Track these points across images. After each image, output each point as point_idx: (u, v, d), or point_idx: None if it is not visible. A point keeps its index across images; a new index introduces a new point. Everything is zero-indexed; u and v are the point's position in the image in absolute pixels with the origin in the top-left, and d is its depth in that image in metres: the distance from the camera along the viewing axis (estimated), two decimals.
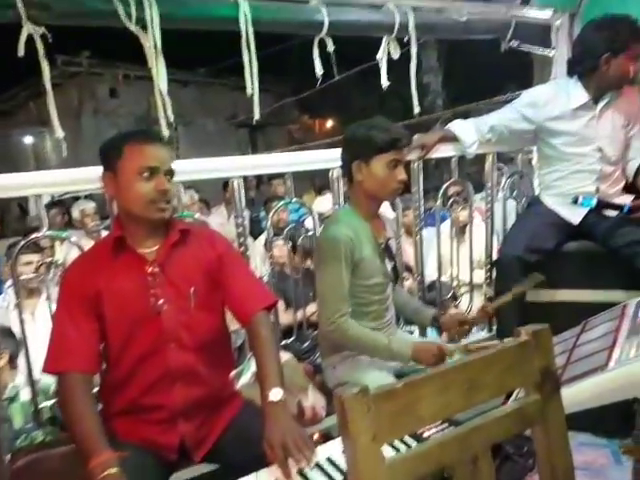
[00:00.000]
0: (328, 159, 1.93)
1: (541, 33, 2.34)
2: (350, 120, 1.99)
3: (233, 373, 1.62)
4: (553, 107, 2.10)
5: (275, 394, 1.23)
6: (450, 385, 0.78)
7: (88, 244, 1.78)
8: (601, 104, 2.06)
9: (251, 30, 1.69)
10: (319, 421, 1.66)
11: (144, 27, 1.57)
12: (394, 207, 2.34)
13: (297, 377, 1.70)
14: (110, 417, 1.34)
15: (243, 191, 1.81)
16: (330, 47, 1.97)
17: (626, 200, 2.06)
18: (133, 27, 1.55)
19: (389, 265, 1.72)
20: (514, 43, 2.38)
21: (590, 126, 2.07)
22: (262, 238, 3.51)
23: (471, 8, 2.22)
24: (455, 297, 2.66)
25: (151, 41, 1.56)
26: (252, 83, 1.75)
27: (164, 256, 1.32)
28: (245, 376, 1.72)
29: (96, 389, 1.46)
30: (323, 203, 3.73)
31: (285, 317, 2.56)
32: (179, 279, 1.32)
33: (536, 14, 2.42)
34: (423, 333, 2.26)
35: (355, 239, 1.57)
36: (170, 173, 1.31)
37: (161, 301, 1.29)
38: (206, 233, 1.47)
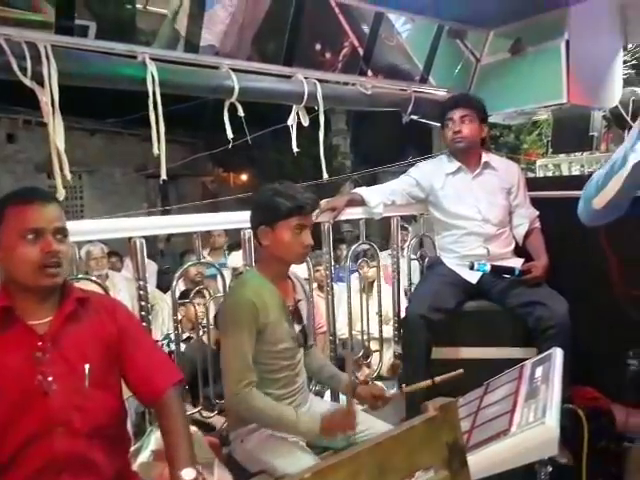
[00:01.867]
0: (238, 220, 1.91)
1: (439, 108, 2.54)
2: (265, 175, 2.01)
3: (130, 450, 1.48)
4: (436, 176, 2.35)
5: (187, 474, 1.14)
6: (360, 470, 0.75)
7: None
8: (476, 171, 2.30)
9: (158, 92, 1.67)
10: None
11: (41, 82, 1.49)
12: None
13: (201, 451, 1.59)
14: None
15: (145, 252, 1.72)
16: (240, 112, 1.99)
17: (517, 263, 2.25)
18: (28, 82, 1.47)
19: (298, 328, 1.70)
20: (414, 116, 2.58)
21: (468, 191, 2.29)
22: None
23: (376, 83, 2.38)
24: (367, 355, 2.68)
25: (48, 97, 1.48)
26: (159, 144, 1.71)
27: (57, 329, 1.19)
28: (143, 454, 1.58)
29: None
30: (238, 258, 3.69)
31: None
32: (73, 355, 1.20)
33: (433, 92, 2.66)
34: (336, 398, 2.23)
35: (260, 303, 1.54)
36: (60, 232, 1.20)
37: (50, 379, 1.16)
38: (107, 303, 1.36)
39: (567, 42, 2.38)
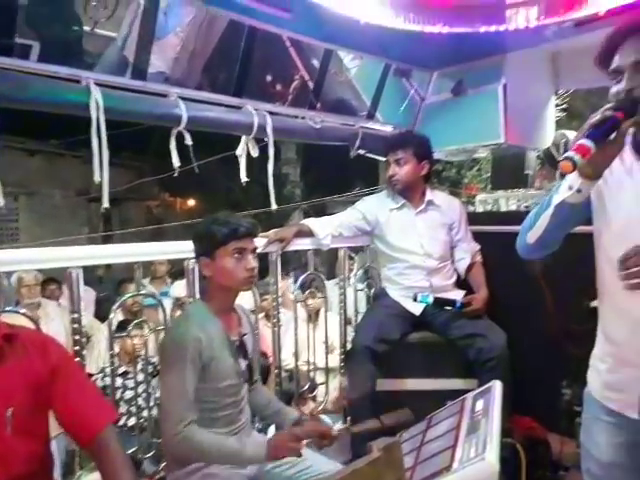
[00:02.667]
0: (180, 250, 1.86)
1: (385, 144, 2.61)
2: (214, 201, 1.98)
3: None
4: (381, 210, 2.42)
5: None
6: None
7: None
8: (420, 207, 2.38)
9: (102, 118, 1.62)
10: None
11: None
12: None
13: None
14: None
15: (82, 283, 1.63)
16: (188, 141, 1.96)
17: (458, 296, 2.32)
18: None
19: (243, 364, 1.66)
20: (361, 150, 2.64)
21: (411, 226, 2.37)
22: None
23: (324, 117, 2.42)
24: (312, 389, 2.65)
25: None
26: (101, 171, 1.65)
27: None
28: None
29: None
30: (182, 287, 3.58)
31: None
32: None
33: (380, 128, 2.74)
34: None
35: (205, 338, 1.50)
36: None
37: None
38: (37, 340, 1.25)
39: (504, 86, 2.53)
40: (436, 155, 2.80)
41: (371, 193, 2.96)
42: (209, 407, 1.54)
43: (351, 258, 4.59)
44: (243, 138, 2.14)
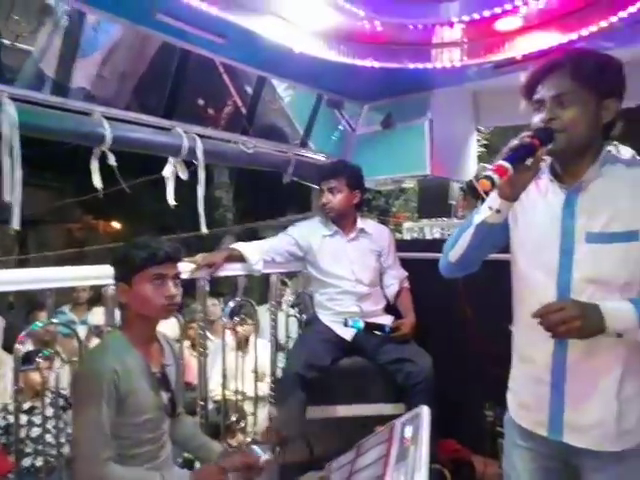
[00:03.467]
0: (97, 275, 1.75)
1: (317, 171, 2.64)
2: (142, 224, 1.89)
3: None
4: (314, 237, 2.43)
5: None
6: None
7: None
8: (351, 235, 2.44)
9: (17, 136, 1.51)
10: None
11: None
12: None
13: None
14: None
15: None
16: (112, 161, 1.88)
17: (387, 321, 2.36)
18: None
19: (165, 396, 1.57)
20: (294, 177, 2.66)
21: (343, 253, 2.41)
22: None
23: (257, 142, 2.42)
24: (241, 419, 2.56)
25: None
26: (12, 192, 1.52)
27: None
28: None
29: None
30: (100, 315, 3.37)
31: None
32: None
33: (312, 156, 2.78)
34: None
35: (122, 371, 1.40)
36: None
37: None
38: None
39: (430, 121, 2.65)
40: (366, 184, 2.87)
41: (303, 219, 2.97)
42: (127, 443, 1.44)
43: (284, 283, 4.56)
44: (171, 160, 2.08)
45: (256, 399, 2.54)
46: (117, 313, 1.82)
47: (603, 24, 1.83)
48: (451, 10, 1.96)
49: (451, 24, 2.02)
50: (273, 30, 1.80)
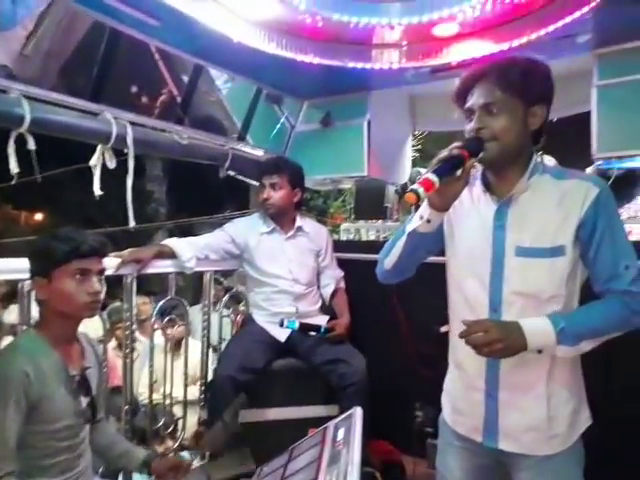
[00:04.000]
0: (13, 269, 1.61)
1: (256, 166, 2.57)
2: (65, 216, 1.75)
3: None
4: (251, 234, 2.38)
5: None
6: None
7: None
8: (290, 233, 2.40)
9: None
10: None
11: None
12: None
13: None
14: None
15: None
16: (31, 145, 1.73)
17: (323, 321, 2.35)
18: None
19: (84, 401, 1.46)
20: (231, 172, 2.58)
21: (281, 251, 2.37)
22: None
23: (192, 133, 2.32)
24: (170, 424, 2.45)
25: None
26: None
27: None
28: None
29: None
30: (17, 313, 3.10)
31: None
32: None
33: (251, 151, 2.71)
34: (129, 478, 1.96)
35: (35, 373, 1.29)
36: None
37: None
38: None
39: (368, 122, 2.67)
40: (305, 183, 2.85)
41: (242, 216, 2.89)
42: (39, 453, 1.32)
43: (219, 282, 4.44)
44: (99, 147, 1.95)
45: (185, 403, 2.44)
46: (35, 310, 1.68)
47: (532, 36, 1.91)
48: (392, 11, 1.97)
49: (391, 26, 2.04)
50: (211, 17, 1.73)
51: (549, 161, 3.11)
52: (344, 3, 1.86)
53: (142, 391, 2.64)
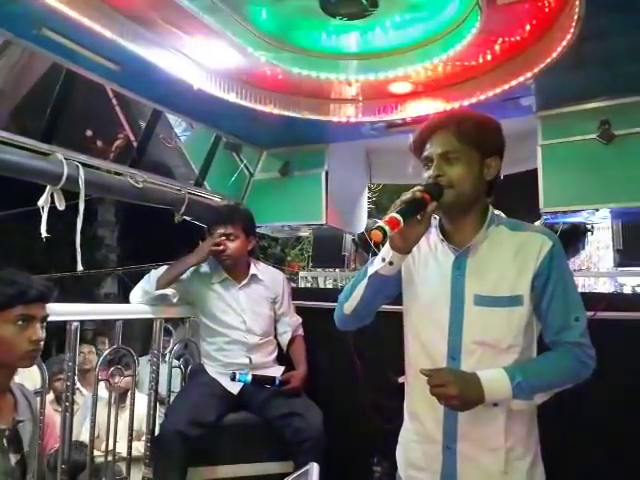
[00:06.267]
0: None
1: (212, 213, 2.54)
2: (8, 262, 1.65)
3: None
4: (204, 283, 2.34)
5: None
6: None
7: None
8: (243, 282, 2.35)
9: None
10: None
11: None
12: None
13: None
14: None
15: None
16: None
17: (278, 372, 2.27)
18: None
19: (14, 459, 1.33)
20: (187, 217, 2.54)
21: (234, 301, 2.32)
22: None
23: (149, 177, 2.28)
24: None
25: None
26: None
27: None
28: None
29: None
30: None
31: None
32: None
33: (208, 196, 2.69)
34: None
35: None
36: None
37: None
38: None
39: (327, 172, 2.72)
40: (262, 230, 2.83)
41: None
42: None
43: (168, 332, 4.26)
44: (48, 188, 1.88)
45: (129, 461, 2.27)
46: None
47: (481, 97, 2.04)
48: (349, 68, 2.05)
49: (349, 82, 2.12)
50: (172, 63, 1.74)
51: (499, 214, 3.25)
52: (303, 58, 1.93)
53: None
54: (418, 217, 1.15)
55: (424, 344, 1.26)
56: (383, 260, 1.22)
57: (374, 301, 1.32)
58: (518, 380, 1.12)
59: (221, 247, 2.27)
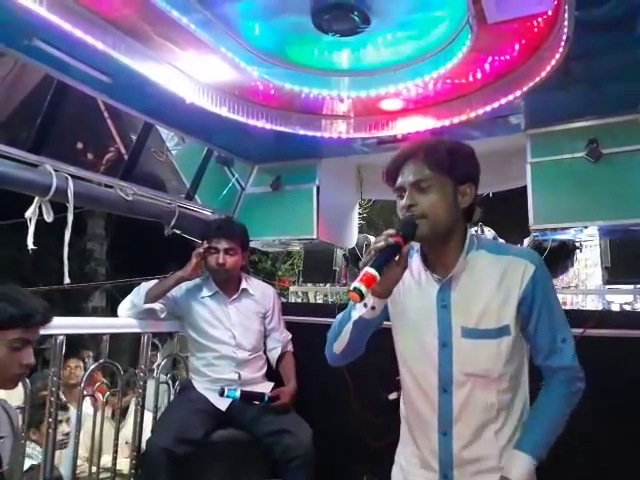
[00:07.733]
0: None
1: (204, 227, 2.52)
2: None
3: None
4: (194, 297, 2.32)
5: None
6: None
7: None
8: (234, 296, 2.33)
9: None
10: None
11: None
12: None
13: None
14: None
15: None
16: None
17: (267, 388, 2.24)
18: None
19: None
20: (177, 230, 2.52)
21: (223, 315, 2.29)
22: None
23: (138, 189, 2.26)
24: None
25: None
26: None
27: None
28: None
29: None
30: None
31: None
32: None
33: (199, 210, 2.68)
34: None
35: None
36: None
37: None
38: None
39: (318, 187, 2.72)
40: (253, 244, 2.82)
41: None
42: None
43: (155, 347, 4.21)
44: (36, 199, 1.86)
45: (114, 478, 2.22)
46: None
47: (471, 115, 2.06)
48: (341, 85, 2.07)
49: (341, 99, 2.14)
50: (164, 76, 1.74)
51: (489, 231, 3.27)
52: (296, 73, 1.95)
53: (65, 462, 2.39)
54: (394, 260, 1.12)
55: (415, 376, 1.26)
56: (365, 306, 1.19)
57: (362, 340, 1.31)
58: (539, 454, 1.16)
59: (220, 261, 2.24)
